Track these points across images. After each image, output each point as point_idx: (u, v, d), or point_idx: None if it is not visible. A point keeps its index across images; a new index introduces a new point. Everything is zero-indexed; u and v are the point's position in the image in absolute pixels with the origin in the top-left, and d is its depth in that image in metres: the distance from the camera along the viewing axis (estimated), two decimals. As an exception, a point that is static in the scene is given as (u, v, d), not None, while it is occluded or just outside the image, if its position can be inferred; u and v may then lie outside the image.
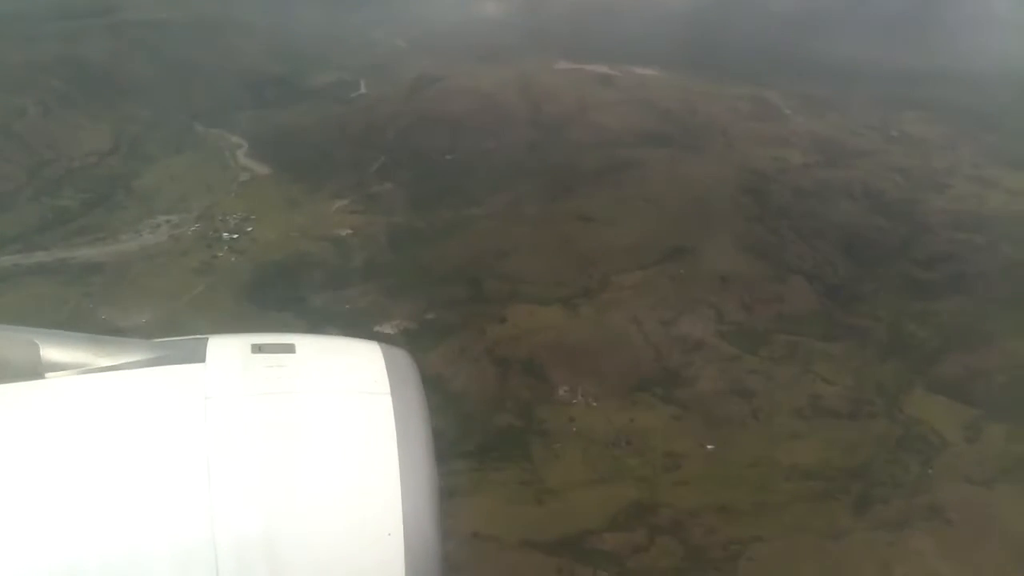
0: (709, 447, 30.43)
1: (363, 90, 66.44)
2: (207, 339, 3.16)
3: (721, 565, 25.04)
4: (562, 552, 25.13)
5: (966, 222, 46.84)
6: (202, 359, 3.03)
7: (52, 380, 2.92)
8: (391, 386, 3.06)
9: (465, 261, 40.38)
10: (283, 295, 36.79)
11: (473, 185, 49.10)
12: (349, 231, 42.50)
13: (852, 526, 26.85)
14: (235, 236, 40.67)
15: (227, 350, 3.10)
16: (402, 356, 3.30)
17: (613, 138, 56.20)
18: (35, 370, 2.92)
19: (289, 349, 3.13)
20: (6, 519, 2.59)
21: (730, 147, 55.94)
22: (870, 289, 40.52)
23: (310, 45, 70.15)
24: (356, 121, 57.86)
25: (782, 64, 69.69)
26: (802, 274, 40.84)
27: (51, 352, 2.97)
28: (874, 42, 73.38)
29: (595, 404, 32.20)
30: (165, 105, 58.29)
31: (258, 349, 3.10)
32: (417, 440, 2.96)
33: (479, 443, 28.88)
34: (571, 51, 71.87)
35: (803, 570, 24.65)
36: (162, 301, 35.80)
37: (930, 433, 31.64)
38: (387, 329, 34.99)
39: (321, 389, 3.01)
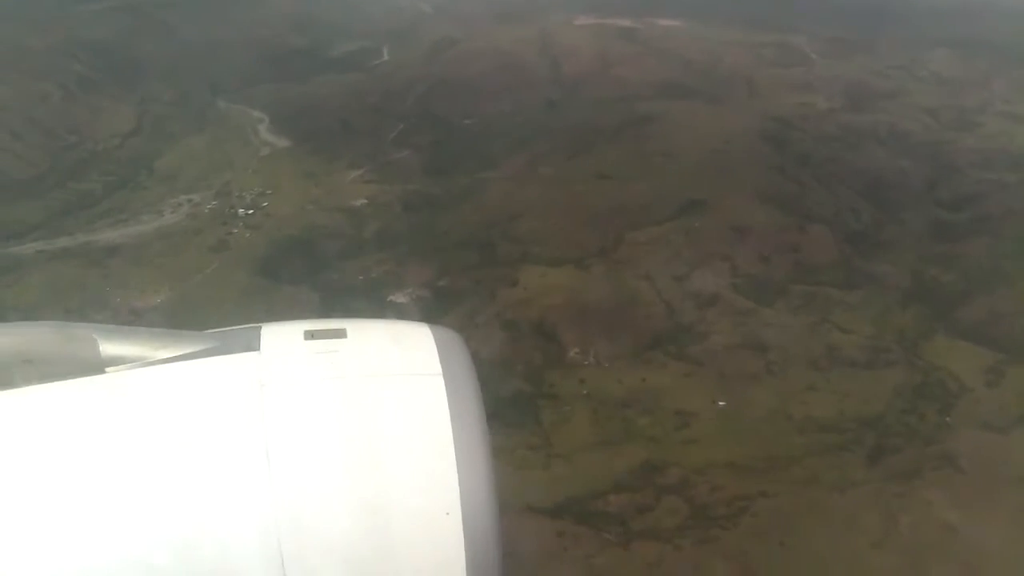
0: (720, 404, 30.09)
1: (385, 57, 66.15)
2: (260, 328, 3.25)
3: (724, 522, 24.80)
4: (565, 515, 25.08)
5: (995, 161, 45.67)
6: (256, 348, 3.10)
7: (112, 374, 2.99)
8: (443, 367, 3.12)
9: (478, 225, 40.23)
10: (297, 269, 36.96)
11: (490, 148, 48.83)
12: (364, 201, 42.51)
13: (863, 478, 26.44)
14: (250, 212, 40.88)
15: (280, 338, 3.17)
16: (452, 336, 3.36)
17: (634, 92, 55.46)
18: (95, 365, 3.00)
19: (341, 335, 3.18)
20: (77, 512, 2.67)
21: (753, 95, 54.99)
22: (893, 234, 39.68)
23: (333, 14, 70.15)
24: (375, 89, 57.74)
25: (809, 8, 68.25)
26: (822, 222, 40.07)
27: (110, 347, 3.05)
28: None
29: (607, 365, 31.98)
30: (187, 83, 58.71)
31: (310, 336, 3.16)
32: (471, 419, 3.03)
33: (489, 411, 28.86)
34: (594, 5, 70.83)
35: (805, 523, 24.32)
36: (176, 281, 36.17)
37: (949, 379, 30.98)
38: (400, 298, 35.03)
39: (374, 373, 3.06)
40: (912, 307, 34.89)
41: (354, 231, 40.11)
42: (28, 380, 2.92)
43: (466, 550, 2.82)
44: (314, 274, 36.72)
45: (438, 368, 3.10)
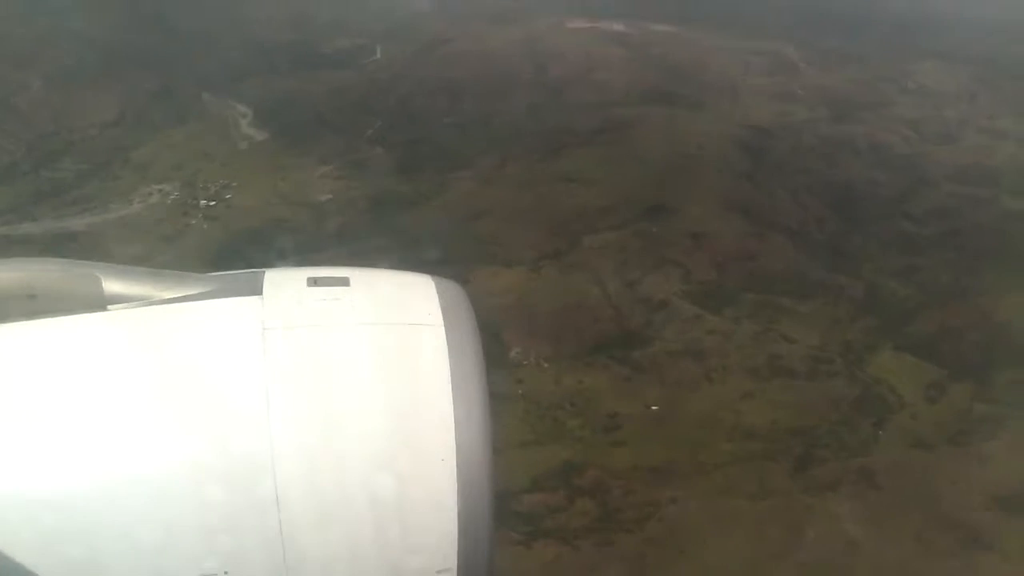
0: (654, 408, 29.94)
1: (378, 56, 66.14)
2: (263, 272, 3.27)
3: (630, 526, 24.64)
4: (474, 514, 24.95)
5: (971, 175, 45.19)
6: (259, 292, 3.09)
7: (114, 312, 3.00)
8: (444, 318, 3.14)
9: (439, 224, 40.20)
10: (251, 261, 36.96)
11: (466, 148, 48.78)
12: (329, 196, 42.59)
13: (782, 488, 26.19)
14: (212, 203, 41.03)
15: (283, 283, 3.18)
16: (454, 288, 3.44)
17: (617, 98, 55.23)
18: (98, 302, 2.99)
19: (344, 282, 3.18)
20: (71, 443, 2.67)
21: (735, 103, 54.57)
22: (855, 246, 39.34)
23: (331, 11, 70.19)
24: (359, 87, 57.74)
25: (807, 18, 67.71)
26: (784, 231, 39.79)
27: (113, 285, 3.04)
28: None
29: (546, 366, 31.88)
30: (174, 76, 58.79)
31: (313, 282, 3.16)
32: (470, 371, 3.05)
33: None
34: (588, 8, 70.58)
35: (710, 531, 24.09)
36: (127, 270, 36.31)
37: (889, 394, 30.67)
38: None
39: (376, 321, 3.07)
40: (863, 319, 34.58)
41: (314, 226, 40.20)
42: (30, 314, 2.91)
43: (459, 496, 2.84)
44: (268, 267, 36.59)
45: (440, 319, 3.11)
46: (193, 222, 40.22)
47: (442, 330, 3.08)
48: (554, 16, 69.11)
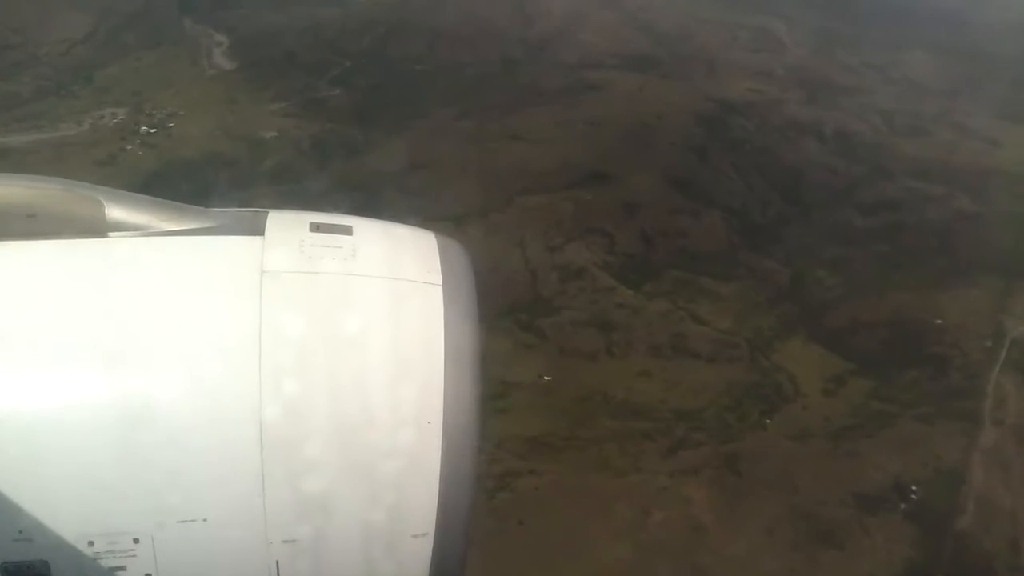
0: (546, 378, 29.73)
1: (372, -7, 65.40)
2: (267, 213, 3.14)
3: (481, 495, 24.53)
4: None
5: (930, 171, 44.44)
6: (261, 232, 2.98)
7: (114, 239, 2.90)
8: (443, 277, 2.99)
9: (377, 173, 39.90)
10: (177, 193, 36.68)
11: (428, 97, 48.32)
12: (274, 134, 42.22)
13: (650, 468, 26.06)
14: (153, 130, 40.74)
15: (286, 226, 3.06)
16: (456, 248, 3.23)
17: (595, 60, 54.49)
18: (99, 228, 2.90)
19: (347, 231, 3.06)
20: (60, 365, 2.61)
21: (710, 76, 53.71)
22: (794, 232, 38.81)
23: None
24: (336, 25, 57.09)
25: (810, -3, 66.49)
26: (723, 210, 39.25)
27: (115, 211, 2.93)
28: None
29: (449, 326, 31.62)
30: (159, -1, 58.47)
31: (316, 228, 3.03)
32: (464, 333, 2.91)
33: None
34: (587, -34, 69.49)
35: (557, 506, 24.00)
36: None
37: (787, 383, 30.39)
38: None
39: (374, 273, 2.96)
40: (782, 306, 34.18)
41: (251, 163, 39.91)
42: (29, 234, 2.80)
43: (442, 461, 2.74)
44: (191, 200, 35.95)
45: (439, 278, 2.95)
46: (129, 148, 39.98)
47: (440, 290, 2.93)
48: (552, -29, 68.23)
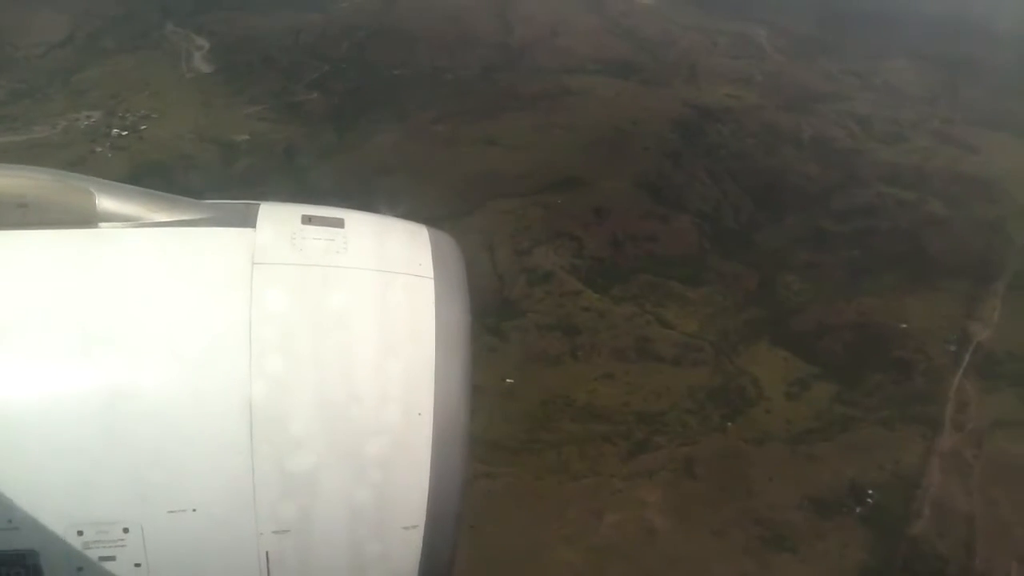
0: (508, 381, 29.63)
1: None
2: (259, 205, 3.24)
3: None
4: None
5: (904, 177, 44.43)
6: (252, 224, 3.05)
7: (105, 229, 2.94)
8: (435, 270, 3.11)
9: (349, 176, 39.74)
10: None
11: (406, 102, 48.29)
12: (246, 137, 42.15)
13: (608, 471, 25.96)
14: (124, 133, 40.67)
15: (277, 218, 3.13)
16: (448, 241, 3.43)
17: (574, 65, 54.48)
18: (90, 218, 2.95)
19: (338, 223, 3.15)
20: (47, 355, 2.63)
21: (690, 82, 53.73)
22: (765, 237, 38.75)
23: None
24: (317, 29, 57.11)
25: (793, 5, 66.48)
26: (696, 215, 39.20)
27: (106, 202, 2.99)
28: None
29: (414, 329, 31.54)
30: (139, 3, 58.38)
31: (308, 220, 3.12)
32: (455, 326, 3.02)
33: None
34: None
35: (510, 509, 23.85)
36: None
37: (751, 387, 30.28)
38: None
39: (365, 266, 3.02)
40: (749, 310, 34.09)
41: (222, 166, 39.85)
42: (20, 224, 2.86)
43: (433, 452, 2.81)
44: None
45: (430, 271, 3.08)
46: (99, 150, 39.93)
47: (431, 283, 3.04)
48: (537, -23, 68.23)
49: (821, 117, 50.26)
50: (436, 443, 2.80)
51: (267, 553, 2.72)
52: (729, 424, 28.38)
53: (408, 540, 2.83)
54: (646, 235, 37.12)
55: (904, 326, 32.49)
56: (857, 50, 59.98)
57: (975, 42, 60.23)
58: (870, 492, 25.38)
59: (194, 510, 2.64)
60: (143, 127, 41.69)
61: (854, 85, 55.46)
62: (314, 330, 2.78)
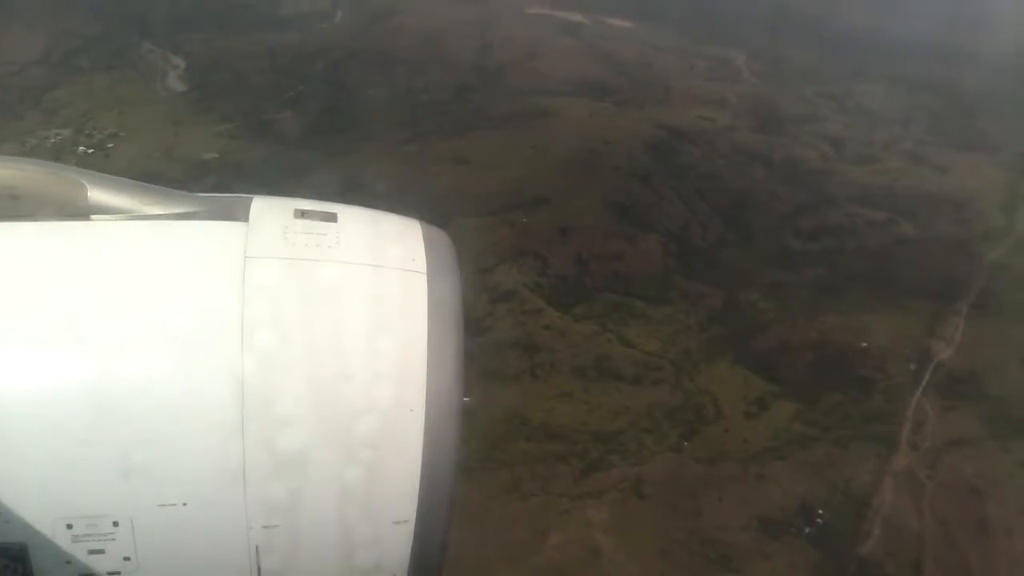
0: (465, 399, 29.27)
1: (337, 21, 65.62)
2: (251, 198, 3.20)
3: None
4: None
5: (874, 198, 44.46)
6: (245, 218, 3.02)
7: (97, 222, 2.94)
8: (428, 266, 3.09)
9: (318, 194, 39.43)
10: (109, 212, 36.61)
11: (379, 121, 48.31)
12: (214, 155, 42.13)
13: (559, 491, 25.73)
14: (91, 151, 40.61)
15: (270, 212, 3.11)
16: (441, 237, 3.40)
17: (551, 87, 54.62)
18: (82, 211, 2.94)
19: (332, 218, 3.12)
20: (36, 348, 2.61)
21: (664, 104, 53.85)
22: (731, 256, 38.72)
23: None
24: (294, 50, 57.25)
25: (771, 28, 66.70)
26: (662, 234, 39.17)
27: (98, 194, 2.98)
28: (886, 14, 69.83)
29: (374, 346, 31.39)
30: (118, 22, 58.50)
31: (300, 214, 3.09)
32: (448, 321, 3.00)
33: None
34: (553, -4, 69.87)
35: (455, 530, 23.51)
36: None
37: (710, 405, 30.12)
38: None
39: (359, 261, 3.00)
40: (712, 329, 33.99)
41: (187, 184, 39.54)
42: (10, 216, 2.84)
43: (424, 449, 2.81)
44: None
45: (423, 266, 3.06)
46: (64, 167, 39.70)
47: (424, 278, 3.02)
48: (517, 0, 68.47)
49: (794, 138, 50.37)
50: (427, 439, 2.81)
51: (257, 547, 2.72)
52: (686, 443, 28.13)
53: (399, 535, 2.86)
54: (612, 254, 37.05)
55: (864, 345, 32.37)
56: (833, 73, 60.28)
57: (950, 65, 60.53)
58: (820, 512, 25.15)
59: (184, 504, 2.63)
60: (110, 145, 41.68)
61: (828, 107, 55.66)
62: (305, 324, 2.77)
